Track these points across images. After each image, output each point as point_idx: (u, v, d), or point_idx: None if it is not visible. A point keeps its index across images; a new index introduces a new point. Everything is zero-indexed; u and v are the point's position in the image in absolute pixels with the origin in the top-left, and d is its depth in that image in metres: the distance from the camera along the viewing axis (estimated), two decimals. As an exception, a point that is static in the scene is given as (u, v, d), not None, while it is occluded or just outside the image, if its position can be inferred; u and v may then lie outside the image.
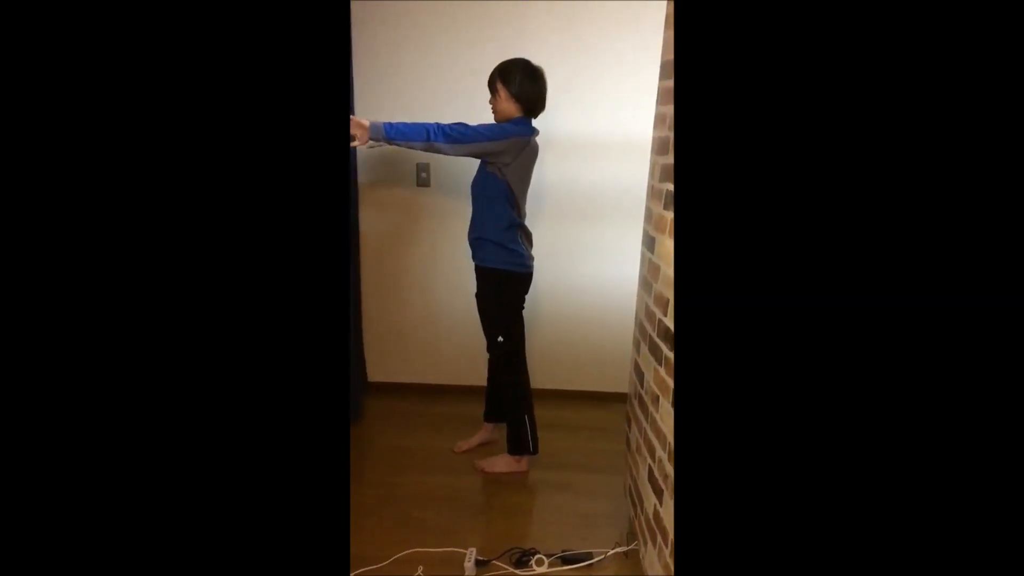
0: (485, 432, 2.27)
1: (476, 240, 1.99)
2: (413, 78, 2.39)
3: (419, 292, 2.63)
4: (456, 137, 1.79)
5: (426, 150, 1.82)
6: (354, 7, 2.32)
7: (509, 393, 2.09)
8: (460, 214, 2.19)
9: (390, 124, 1.77)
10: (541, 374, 2.66)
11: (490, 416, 2.26)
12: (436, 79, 2.38)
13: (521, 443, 2.08)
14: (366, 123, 1.75)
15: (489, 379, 2.21)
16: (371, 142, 1.77)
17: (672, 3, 1.43)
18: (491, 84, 1.89)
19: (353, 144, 1.76)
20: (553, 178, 2.45)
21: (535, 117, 1.93)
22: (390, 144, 1.80)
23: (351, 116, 1.78)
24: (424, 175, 2.48)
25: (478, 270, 2.02)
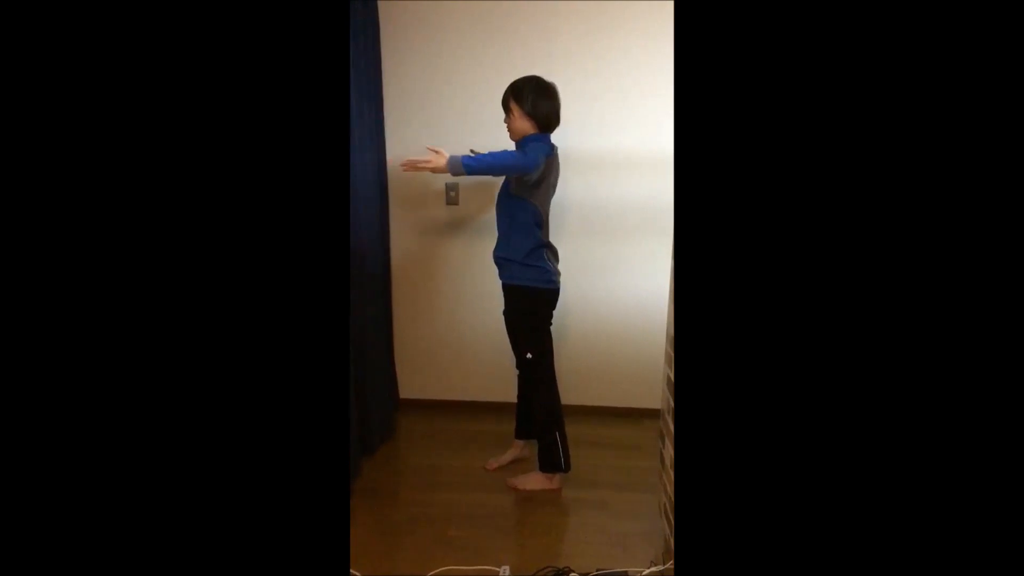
0: (516, 449, 2.27)
1: (502, 260, 2.01)
2: (440, 94, 2.44)
3: (449, 310, 2.65)
4: (523, 164, 1.85)
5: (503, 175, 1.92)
6: (382, 18, 2.39)
7: (539, 411, 2.08)
8: (489, 232, 2.21)
9: (469, 159, 1.80)
10: (572, 391, 2.64)
11: (521, 433, 2.25)
12: (462, 95, 2.43)
13: (553, 461, 2.06)
14: (444, 158, 1.79)
15: (519, 396, 2.21)
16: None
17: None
18: (504, 104, 1.92)
19: (427, 166, 1.80)
20: (580, 194, 2.46)
21: (551, 133, 1.96)
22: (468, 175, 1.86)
23: (433, 148, 1.83)
24: (453, 194, 2.52)
25: (505, 288, 2.04)
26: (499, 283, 2.06)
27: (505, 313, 2.08)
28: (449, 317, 2.66)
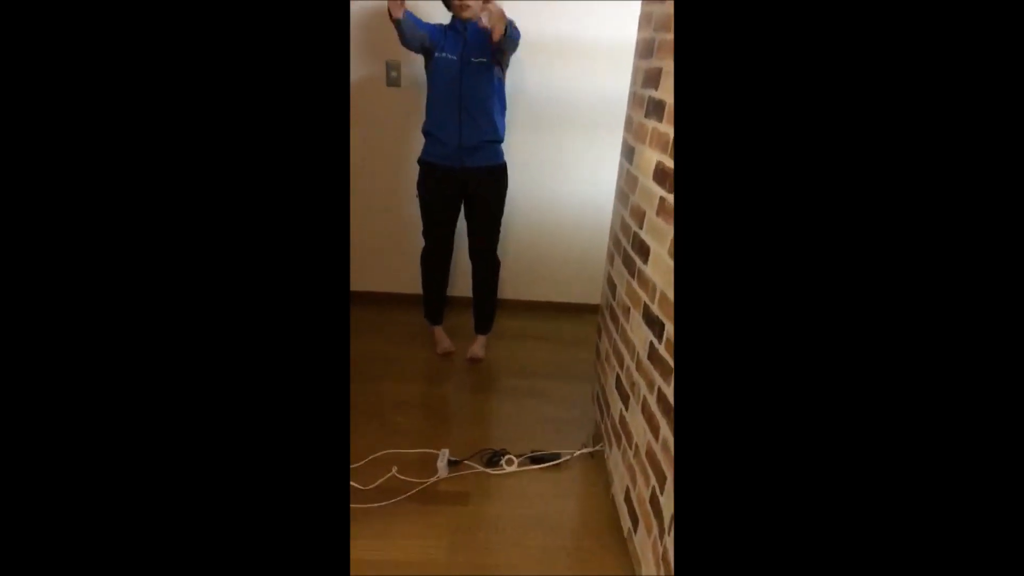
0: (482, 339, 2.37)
1: (486, 143, 1.98)
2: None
3: (398, 203, 2.57)
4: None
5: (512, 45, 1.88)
6: None
7: (495, 280, 2.25)
8: (434, 119, 2.10)
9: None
10: (516, 285, 2.67)
11: (486, 327, 2.34)
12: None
13: (491, 320, 2.31)
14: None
15: (483, 287, 2.25)
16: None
17: None
18: None
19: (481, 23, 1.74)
20: (533, 84, 2.33)
21: None
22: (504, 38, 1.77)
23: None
24: (394, 74, 2.35)
25: (488, 169, 2.02)
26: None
27: (485, 199, 2.06)
28: (398, 210, 2.58)
